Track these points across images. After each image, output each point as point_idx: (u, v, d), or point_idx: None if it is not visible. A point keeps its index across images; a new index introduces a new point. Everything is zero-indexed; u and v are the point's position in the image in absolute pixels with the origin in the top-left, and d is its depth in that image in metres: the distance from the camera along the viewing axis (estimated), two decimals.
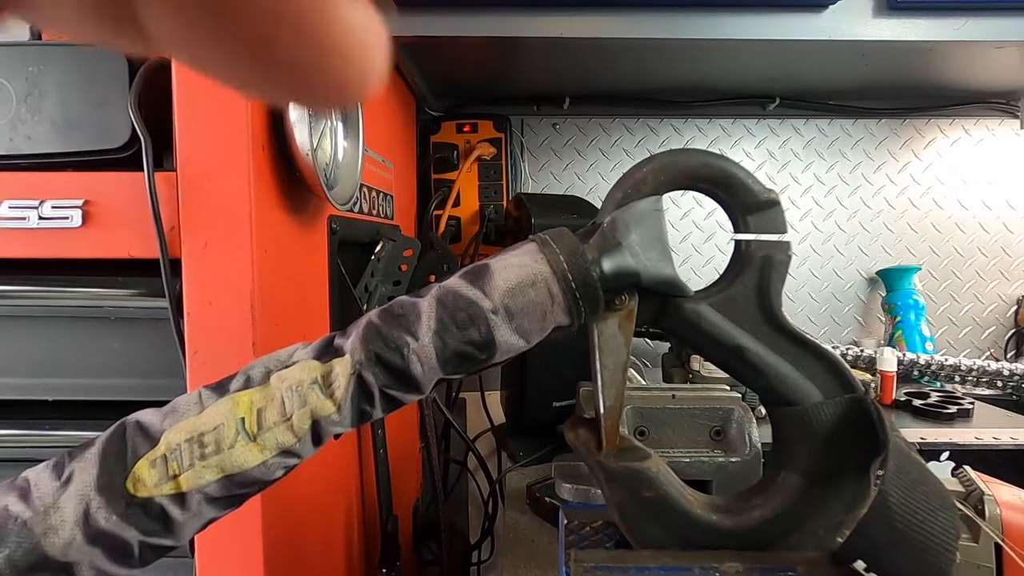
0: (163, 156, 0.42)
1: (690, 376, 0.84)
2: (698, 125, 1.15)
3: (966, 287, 1.16)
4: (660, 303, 0.30)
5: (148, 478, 0.20)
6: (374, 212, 0.71)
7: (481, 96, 1.06)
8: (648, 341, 1.13)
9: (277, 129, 0.44)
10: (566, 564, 0.35)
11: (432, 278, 0.79)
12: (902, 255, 1.15)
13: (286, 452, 0.21)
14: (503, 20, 0.74)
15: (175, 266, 0.41)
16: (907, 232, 1.15)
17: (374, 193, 0.71)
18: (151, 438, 0.20)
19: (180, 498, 0.20)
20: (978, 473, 0.54)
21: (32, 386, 0.44)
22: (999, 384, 0.98)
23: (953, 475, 0.57)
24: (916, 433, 0.75)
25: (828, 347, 0.30)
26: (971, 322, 1.16)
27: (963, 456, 0.71)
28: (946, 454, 0.72)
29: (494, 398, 1.01)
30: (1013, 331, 1.15)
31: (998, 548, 0.48)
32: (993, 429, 0.76)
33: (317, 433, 0.21)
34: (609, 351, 0.30)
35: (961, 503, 0.43)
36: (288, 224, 0.47)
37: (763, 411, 0.84)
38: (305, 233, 0.51)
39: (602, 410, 0.29)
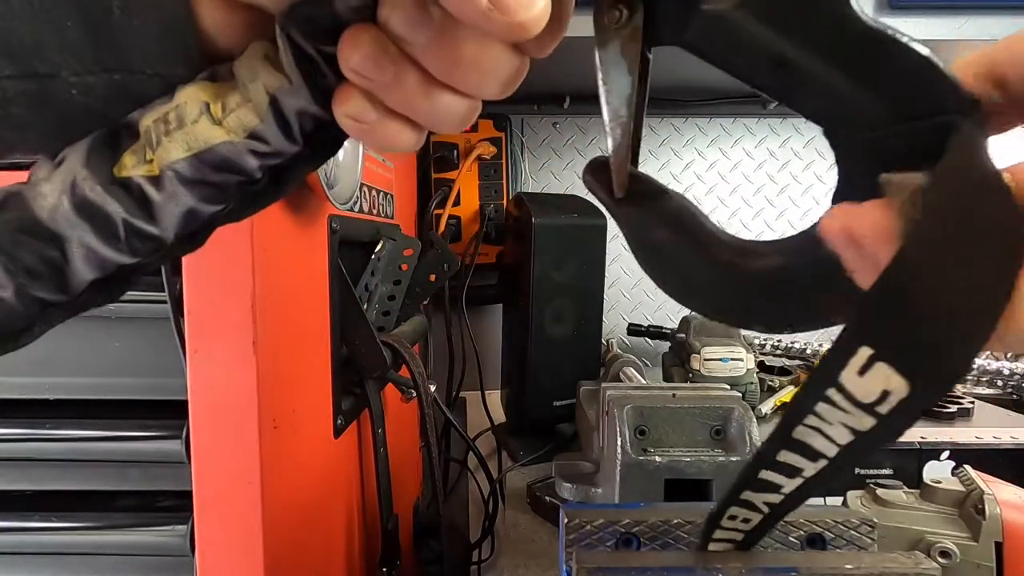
0: None
1: (690, 375, 0.84)
2: (698, 124, 1.15)
3: None
4: (677, 8, 0.23)
5: (128, 162, 0.21)
6: (374, 211, 0.71)
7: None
8: (648, 341, 1.13)
9: None
10: (566, 564, 0.35)
11: (433, 278, 0.79)
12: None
13: (253, 136, 0.21)
14: None
15: (175, 265, 0.41)
16: None
17: (374, 192, 0.71)
18: (134, 131, 0.21)
19: (155, 180, 0.21)
20: (978, 472, 0.54)
21: (32, 385, 0.44)
22: (999, 383, 0.98)
23: (953, 474, 0.57)
24: (916, 432, 0.75)
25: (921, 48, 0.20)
26: None
27: (963, 455, 0.71)
28: (946, 453, 0.72)
29: (494, 397, 1.02)
30: None
31: (998, 547, 0.48)
32: (993, 428, 0.76)
33: (279, 111, 0.21)
34: (611, 81, 0.26)
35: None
36: (288, 223, 0.47)
37: (763, 411, 0.84)
38: (305, 232, 0.51)
39: (610, 148, 0.26)
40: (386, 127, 0.22)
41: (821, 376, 0.21)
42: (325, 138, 0.23)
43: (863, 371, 0.20)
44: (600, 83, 0.26)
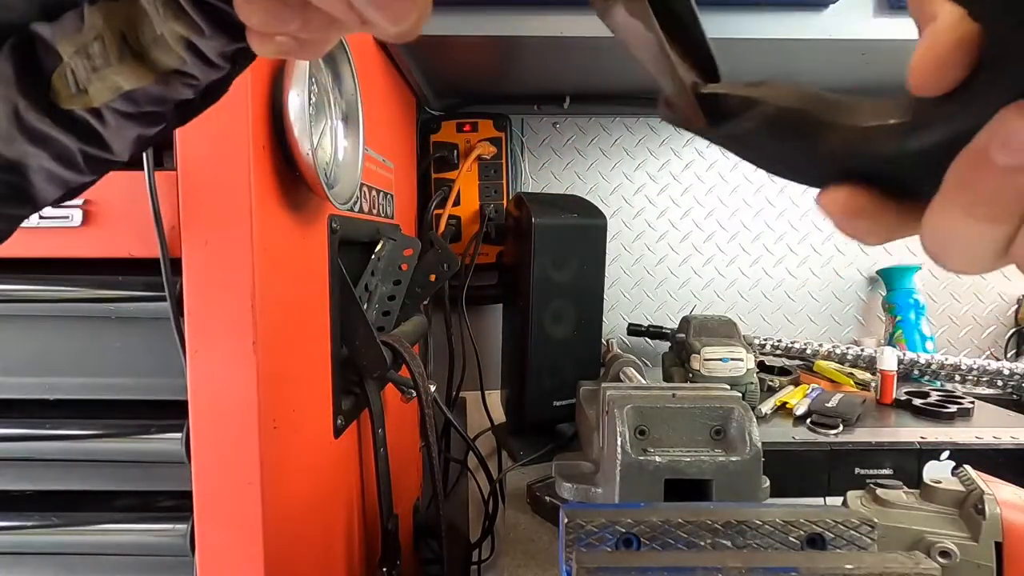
0: (163, 155, 0.42)
1: (690, 375, 0.84)
2: None
3: (966, 286, 1.16)
4: None
5: (62, 89, 0.22)
6: (374, 211, 0.71)
7: (481, 95, 1.06)
8: (648, 341, 1.13)
9: (277, 128, 0.44)
10: (566, 564, 0.35)
11: (433, 278, 0.78)
12: (902, 254, 1.15)
13: (179, 72, 0.22)
14: (503, 20, 0.74)
15: (175, 265, 0.41)
16: None
17: (374, 192, 0.71)
18: (52, 52, 0.21)
19: (97, 113, 0.22)
20: (978, 472, 0.54)
21: (33, 385, 0.44)
22: (999, 383, 0.98)
23: (953, 474, 0.57)
24: (916, 432, 0.75)
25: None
26: (971, 321, 1.16)
27: (963, 455, 0.71)
28: (946, 453, 0.72)
29: (494, 397, 1.02)
30: (1013, 330, 1.15)
31: (998, 547, 0.48)
32: (993, 428, 0.76)
33: (198, 52, 0.22)
34: (636, 45, 0.24)
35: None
36: (288, 223, 0.47)
37: (763, 411, 0.84)
38: (305, 232, 0.51)
39: (672, 95, 0.24)
40: (310, 48, 0.23)
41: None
42: (247, 53, 0.24)
43: None
44: (629, 48, 0.24)
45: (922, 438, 0.73)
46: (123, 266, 0.42)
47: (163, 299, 0.41)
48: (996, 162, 0.14)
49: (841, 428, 0.76)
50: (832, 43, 0.78)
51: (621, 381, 0.76)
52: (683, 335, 0.89)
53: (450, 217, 1.04)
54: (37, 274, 0.42)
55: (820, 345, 1.05)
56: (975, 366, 0.98)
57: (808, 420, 0.80)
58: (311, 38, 0.22)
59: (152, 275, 0.41)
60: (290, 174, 0.46)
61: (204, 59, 0.22)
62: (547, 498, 0.67)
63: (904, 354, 0.98)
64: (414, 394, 0.65)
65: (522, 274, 0.85)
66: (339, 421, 0.58)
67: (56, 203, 0.25)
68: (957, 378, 0.99)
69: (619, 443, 0.48)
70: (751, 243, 1.16)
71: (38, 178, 0.23)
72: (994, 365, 0.98)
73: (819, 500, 0.72)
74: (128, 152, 0.24)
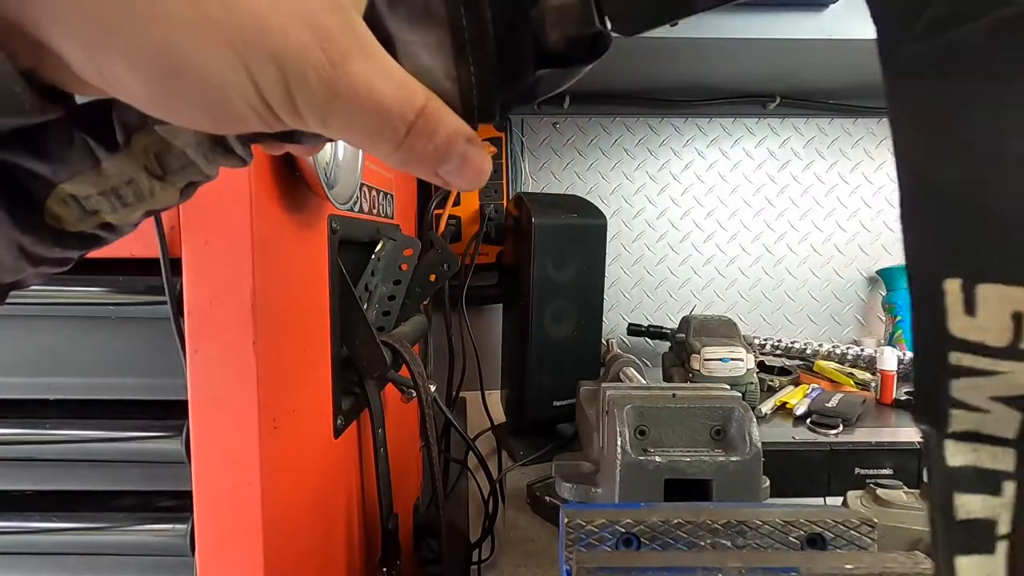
0: None
1: (690, 375, 0.84)
2: (698, 124, 1.15)
3: None
4: None
5: (67, 215, 0.21)
6: (374, 211, 0.71)
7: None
8: (648, 341, 1.13)
9: None
10: (566, 564, 0.35)
11: (433, 278, 0.78)
12: (902, 254, 1.14)
13: (197, 184, 0.23)
14: None
15: (175, 265, 0.41)
16: None
17: (374, 192, 0.71)
18: (47, 184, 0.21)
19: (110, 227, 0.22)
20: None
21: (33, 385, 0.44)
22: None
23: None
24: (916, 432, 0.75)
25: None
26: None
27: None
28: None
29: (494, 397, 1.02)
30: None
31: None
32: None
33: (220, 158, 0.23)
34: None
35: None
36: (288, 223, 0.47)
37: (763, 411, 0.84)
38: (305, 232, 0.51)
39: None
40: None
41: (926, 355, 0.17)
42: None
43: (968, 308, 0.16)
44: None
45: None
46: (123, 266, 0.42)
47: (163, 299, 0.41)
48: None
49: (841, 428, 0.77)
50: (832, 43, 0.78)
51: (621, 381, 0.76)
52: (683, 335, 0.89)
53: (450, 217, 1.04)
54: None
55: (820, 345, 1.05)
56: None
57: (808, 420, 0.80)
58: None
59: (152, 275, 0.41)
60: (290, 174, 0.46)
61: (223, 160, 0.23)
62: (547, 498, 0.67)
63: (904, 354, 0.98)
64: (414, 394, 0.65)
65: (522, 274, 0.85)
66: (339, 421, 0.58)
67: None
68: None
69: (619, 443, 0.48)
70: (751, 243, 1.16)
71: (29, 278, 0.23)
72: None
73: (819, 500, 0.72)
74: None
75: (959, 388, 0.16)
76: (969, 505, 0.17)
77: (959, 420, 0.17)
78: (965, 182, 0.16)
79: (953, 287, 0.16)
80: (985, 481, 0.17)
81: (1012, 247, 0.15)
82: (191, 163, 0.21)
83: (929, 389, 0.17)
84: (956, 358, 0.16)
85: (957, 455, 0.17)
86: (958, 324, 0.16)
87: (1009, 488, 0.17)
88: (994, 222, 0.15)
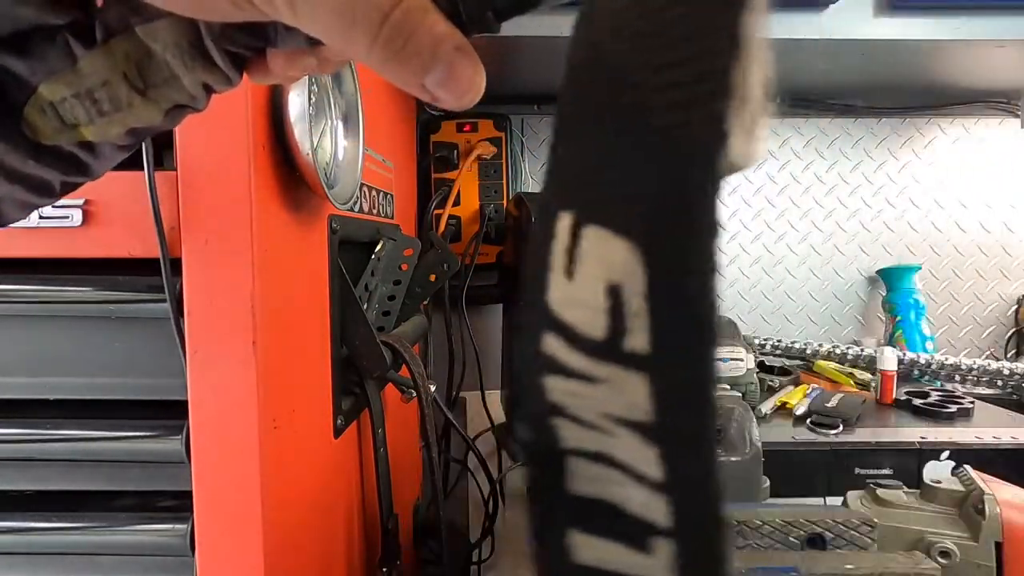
0: (163, 155, 0.42)
1: None
2: None
3: (966, 286, 1.16)
4: None
5: (44, 125, 0.20)
6: (374, 211, 0.71)
7: (481, 95, 1.06)
8: None
9: (277, 128, 0.44)
10: None
11: (433, 278, 0.78)
12: (902, 254, 1.15)
13: (183, 107, 0.22)
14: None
15: (175, 265, 0.41)
16: (907, 231, 1.15)
17: (374, 192, 0.71)
18: (25, 87, 0.20)
19: (89, 146, 0.21)
20: (978, 472, 0.54)
21: (33, 385, 0.44)
22: (999, 383, 0.98)
23: (953, 474, 0.57)
24: (916, 432, 0.75)
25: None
26: (971, 321, 1.16)
27: (963, 455, 0.71)
28: (946, 453, 0.72)
29: (494, 397, 1.02)
30: (1013, 330, 1.15)
31: (998, 547, 0.48)
32: (993, 428, 0.76)
33: (210, 91, 0.22)
34: None
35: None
36: (288, 223, 0.47)
37: (763, 411, 0.84)
38: (305, 232, 0.51)
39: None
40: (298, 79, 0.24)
41: (528, 323, 0.13)
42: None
43: (571, 265, 0.12)
44: None
45: (922, 438, 0.73)
46: (123, 266, 0.42)
47: (163, 299, 0.41)
48: None
49: (841, 428, 0.77)
50: (832, 43, 0.78)
51: None
52: None
53: (450, 217, 1.04)
54: (37, 274, 0.42)
55: (820, 345, 1.05)
56: (975, 366, 0.98)
57: (808, 420, 0.80)
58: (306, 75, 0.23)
59: (152, 275, 0.41)
60: (290, 174, 0.46)
61: (212, 93, 0.22)
62: None
63: (904, 354, 0.98)
64: (414, 394, 0.65)
65: (522, 274, 0.85)
66: (339, 421, 0.58)
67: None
68: (957, 378, 0.99)
69: None
70: (751, 243, 1.16)
71: (6, 206, 0.22)
72: (994, 365, 0.98)
73: (819, 500, 0.72)
74: (105, 172, 0.24)
75: (556, 391, 0.13)
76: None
77: (569, 435, 0.13)
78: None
79: (563, 225, 0.12)
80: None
81: (629, 175, 0.12)
82: (173, 76, 0.21)
83: (523, 387, 0.13)
84: (550, 345, 0.12)
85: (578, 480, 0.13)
86: (557, 290, 0.12)
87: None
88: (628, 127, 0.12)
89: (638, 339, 0.11)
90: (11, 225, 0.23)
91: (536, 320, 0.13)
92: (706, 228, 0.11)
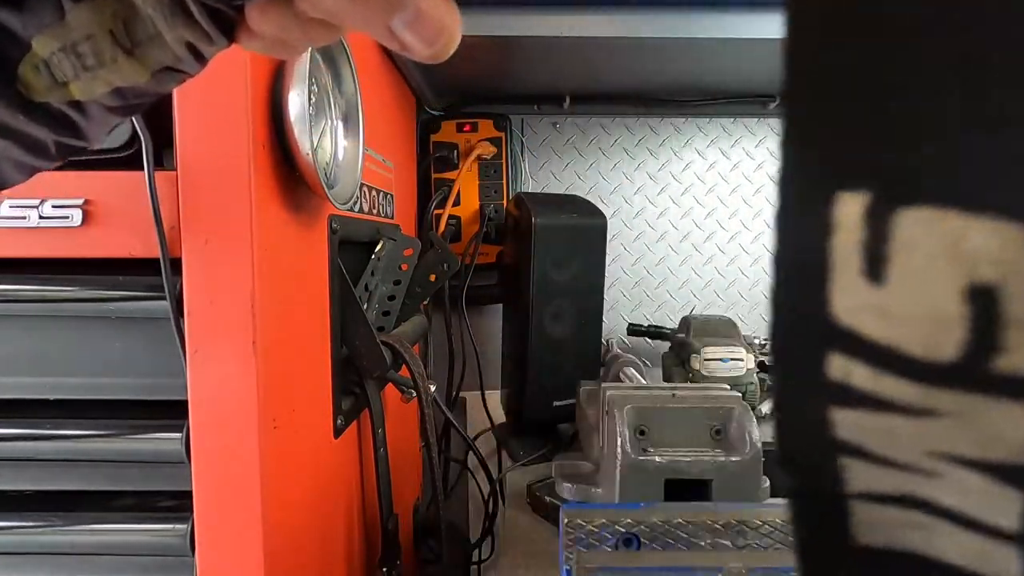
0: (163, 155, 0.42)
1: (690, 375, 0.84)
2: (698, 124, 1.15)
3: None
4: None
5: (36, 83, 0.21)
6: (374, 211, 0.71)
7: (481, 95, 1.06)
8: (648, 341, 1.13)
9: (277, 128, 0.44)
10: (566, 563, 0.35)
11: (433, 278, 0.78)
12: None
13: (172, 69, 0.22)
14: (503, 20, 0.74)
15: (175, 265, 0.41)
16: None
17: (374, 192, 0.71)
18: (19, 43, 0.20)
19: (78, 106, 0.22)
20: None
21: (33, 385, 0.44)
22: None
23: None
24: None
25: None
26: None
27: None
28: None
29: (494, 397, 1.01)
30: None
31: None
32: None
33: (197, 53, 0.22)
34: None
35: None
36: (288, 223, 0.47)
37: (763, 411, 0.84)
38: (305, 232, 0.51)
39: None
40: (296, 50, 0.23)
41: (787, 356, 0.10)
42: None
43: (874, 263, 0.09)
44: None
45: None
46: (123, 266, 0.42)
47: (163, 299, 0.41)
48: None
49: None
50: None
51: (621, 381, 0.76)
52: (683, 335, 0.89)
53: (450, 217, 1.04)
54: (37, 274, 0.42)
55: None
56: None
57: None
58: (302, 44, 0.22)
59: (152, 275, 0.41)
60: (290, 174, 0.46)
61: (200, 58, 0.22)
62: (547, 498, 0.67)
63: None
64: (414, 394, 0.65)
65: (522, 274, 0.85)
66: (339, 421, 0.58)
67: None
68: None
69: (619, 443, 0.48)
70: (751, 243, 1.16)
71: (5, 166, 0.22)
72: None
73: None
74: (101, 139, 0.24)
75: (850, 426, 0.10)
76: None
77: (857, 476, 0.10)
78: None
79: (849, 211, 0.09)
80: None
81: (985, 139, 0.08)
82: (157, 34, 0.21)
83: (796, 420, 0.10)
84: (840, 370, 0.10)
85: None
86: (850, 299, 0.09)
87: None
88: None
89: (1019, 358, 0.08)
90: (13, 216, 0.23)
91: (813, 340, 0.10)
92: None
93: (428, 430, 0.64)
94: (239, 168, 0.41)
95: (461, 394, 1.05)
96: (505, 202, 1.06)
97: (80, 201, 0.42)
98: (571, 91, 1.06)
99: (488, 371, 1.02)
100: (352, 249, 0.63)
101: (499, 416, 0.99)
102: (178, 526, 0.44)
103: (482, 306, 1.11)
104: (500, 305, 1.06)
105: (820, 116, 0.09)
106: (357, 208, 0.62)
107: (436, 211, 1.03)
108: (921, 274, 0.09)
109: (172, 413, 0.43)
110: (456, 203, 1.04)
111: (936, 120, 0.08)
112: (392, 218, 0.80)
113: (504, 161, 1.07)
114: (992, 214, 0.08)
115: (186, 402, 0.42)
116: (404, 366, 0.63)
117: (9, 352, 0.44)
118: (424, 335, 0.86)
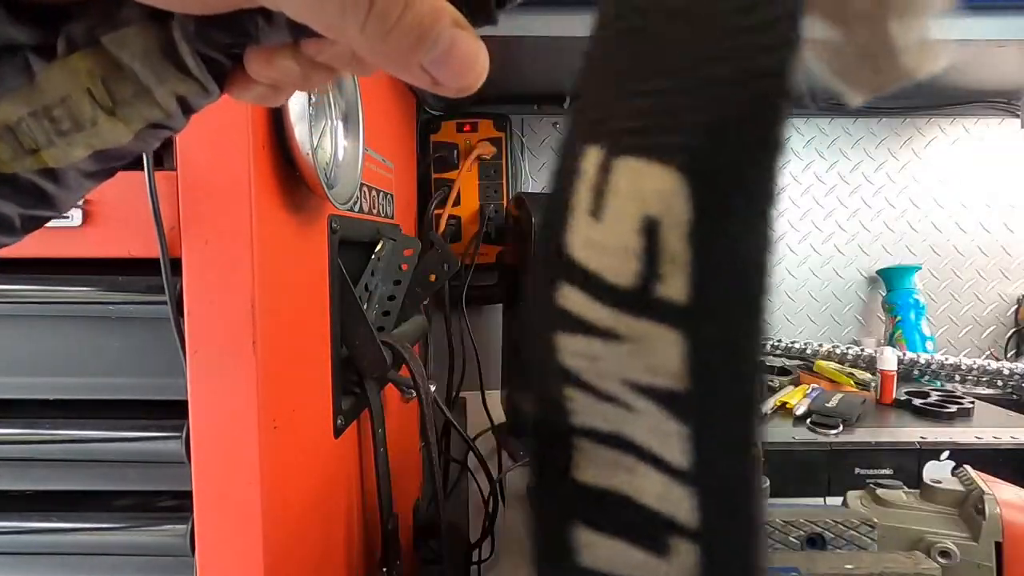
0: (163, 155, 0.42)
1: None
2: None
3: (966, 286, 1.16)
4: None
5: (3, 154, 0.19)
6: (374, 211, 0.71)
7: (481, 95, 1.06)
8: None
9: (277, 128, 0.44)
10: None
11: (433, 278, 0.78)
12: (902, 254, 1.15)
13: (157, 126, 0.20)
14: (503, 20, 0.74)
15: (175, 265, 0.41)
16: (907, 231, 1.15)
17: (374, 192, 0.71)
18: None
19: (51, 173, 0.19)
20: (978, 472, 0.54)
21: (33, 385, 0.44)
22: (999, 383, 0.98)
23: (953, 474, 0.57)
24: (916, 432, 0.75)
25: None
26: (971, 321, 1.16)
27: (963, 455, 0.71)
28: (946, 453, 0.72)
29: (494, 397, 1.01)
30: (1013, 330, 1.15)
31: (998, 547, 0.48)
32: (993, 428, 0.76)
33: (187, 106, 0.20)
34: None
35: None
36: (288, 223, 0.47)
37: (763, 411, 0.84)
38: (305, 232, 0.51)
39: None
40: (285, 96, 0.22)
41: (541, 272, 0.11)
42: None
43: (598, 204, 0.10)
44: None
45: (922, 438, 0.73)
46: (123, 266, 0.42)
47: (163, 299, 0.41)
48: None
49: (841, 428, 0.76)
50: None
51: None
52: None
53: (450, 217, 1.04)
54: (37, 274, 0.42)
55: (820, 345, 1.04)
56: (975, 366, 0.98)
57: (808, 420, 0.80)
58: (296, 89, 0.21)
59: (152, 275, 0.41)
60: (290, 174, 0.46)
61: (189, 112, 0.20)
62: None
63: (904, 354, 0.98)
64: (414, 394, 0.65)
65: (522, 274, 0.85)
66: (339, 421, 0.58)
67: None
68: (957, 378, 0.99)
69: None
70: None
71: None
72: (994, 365, 0.98)
73: (819, 500, 0.72)
74: (73, 206, 0.22)
75: (570, 352, 0.11)
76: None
77: (581, 409, 0.11)
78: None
79: (591, 162, 0.11)
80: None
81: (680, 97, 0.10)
82: (144, 89, 0.19)
83: (533, 349, 0.11)
84: (566, 298, 0.11)
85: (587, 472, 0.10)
86: (580, 234, 0.11)
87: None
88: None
89: (673, 286, 0.09)
90: None
91: (552, 270, 0.11)
92: (771, 147, 0.09)
93: (428, 430, 0.64)
94: (239, 168, 0.41)
95: (461, 394, 1.05)
96: (505, 202, 1.06)
97: (80, 201, 0.42)
98: (571, 91, 1.06)
99: (488, 371, 1.02)
100: (352, 249, 0.63)
101: (499, 416, 0.99)
102: (178, 526, 0.44)
103: (482, 306, 1.11)
104: (500, 305, 1.06)
105: (586, 89, 0.13)
106: (357, 208, 0.62)
107: (436, 211, 1.03)
108: (619, 211, 0.10)
109: (172, 413, 0.43)
110: (456, 203, 1.04)
111: (635, 88, 0.11)
112: (392, 218, 0.80)
113: (504, 161, 1.07)
114: (657, 157, 0.10)
115: (186, 402, 0.42)
116: (404, 366, 0.63)
117: (9, 352, 0.44)
118: (424, 335, 0.86)
